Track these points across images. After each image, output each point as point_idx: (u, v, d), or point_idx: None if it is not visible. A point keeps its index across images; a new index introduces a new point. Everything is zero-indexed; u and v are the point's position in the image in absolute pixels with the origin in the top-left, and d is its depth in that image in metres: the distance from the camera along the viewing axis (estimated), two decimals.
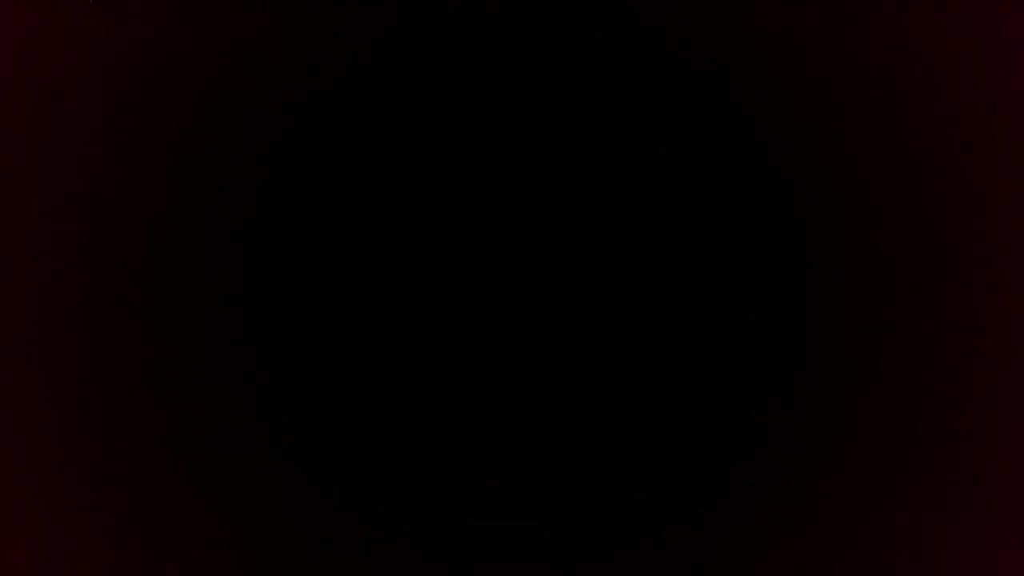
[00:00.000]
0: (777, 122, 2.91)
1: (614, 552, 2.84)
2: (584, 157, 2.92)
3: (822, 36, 2.93)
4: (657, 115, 2.91)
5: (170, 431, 2.86)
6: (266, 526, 2.84)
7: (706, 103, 2.92)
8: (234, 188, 2.90)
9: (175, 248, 2.90)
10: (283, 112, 2.92)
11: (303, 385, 2.87)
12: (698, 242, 2.89)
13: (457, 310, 2.89)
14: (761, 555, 2.83)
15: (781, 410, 2.86)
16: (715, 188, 2.90)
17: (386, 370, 2.88)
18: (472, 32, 2.93)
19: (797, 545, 2.84)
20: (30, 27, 2.94)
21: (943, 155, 2.92)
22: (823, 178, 2.91)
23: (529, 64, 2.93)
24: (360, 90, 2.92)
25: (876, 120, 2.92)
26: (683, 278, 2.89)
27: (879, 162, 2.91)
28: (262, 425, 2.86)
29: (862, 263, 2.89)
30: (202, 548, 2.84)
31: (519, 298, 2.89)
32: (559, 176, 2.92)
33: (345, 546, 2.84)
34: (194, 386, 2.87)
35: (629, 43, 2.92)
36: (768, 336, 2.87)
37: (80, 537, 2.84)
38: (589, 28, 2.93)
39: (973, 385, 2.87)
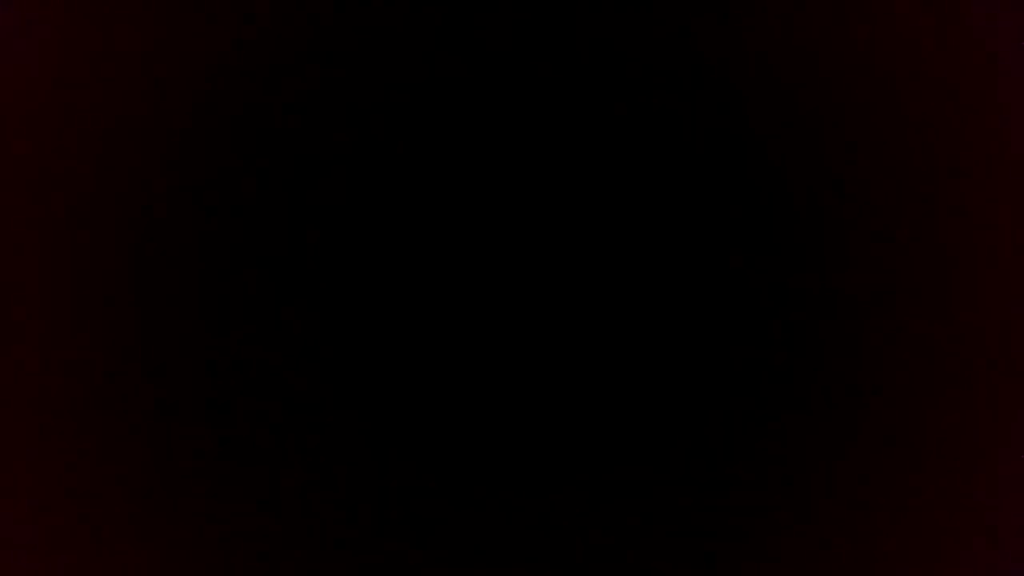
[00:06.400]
0: (777, 122, 2.91)
1: (614, 552, 2.84)
2: (584, 157, 2.91)
3: (822, 36, 2.93)
4: (657, 115, 2.91)
5: (168, 431, 2.86)
6: (266, 526, 2.84)
7: (706, 103, 2.92)
8: (234, 187, 2.90)
9: (173, 247, 2.89)
10: (283, 112, 2.92)
11: (303, 385, 2.87)
12: (699, 243, 2.89)
13: (457, 311, 2.89)
14: (762, 556, 2.84)
15: (782, 410, 2.86)
16: (715, 188, 2.90)
17: (388, 369, 2.88)
18: (472, 31, 2.93)
19: (797, 546, 2.84)
20: (29, 27, 2.93)
21: (943, 155, 2.92)
22: (823, 178, 2.91)
23: (528, 64, 2.93)
24: (360, 89, 2.92)
25: (876, 120, 2.92)
26: (684, 278, 2.89)
27: (879, 162, 2.91)
28: (262, 424, 2.86)
29: (862, 263, 2.89)
30: (201, 548, 2.84)
31: (520, 299, 2.89)
32: (560, 176, 2.92)
33: (345, 545, 2.84)
34: (192, 386, 2.87)
35: (629, 41, 2.92)
36: (768, 336, 2.87)
37: (79, 537, 2.84)
38: (588, 28, 2.92)
39: (973, 385, 2.86)
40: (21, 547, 2.83)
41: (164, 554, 2.84)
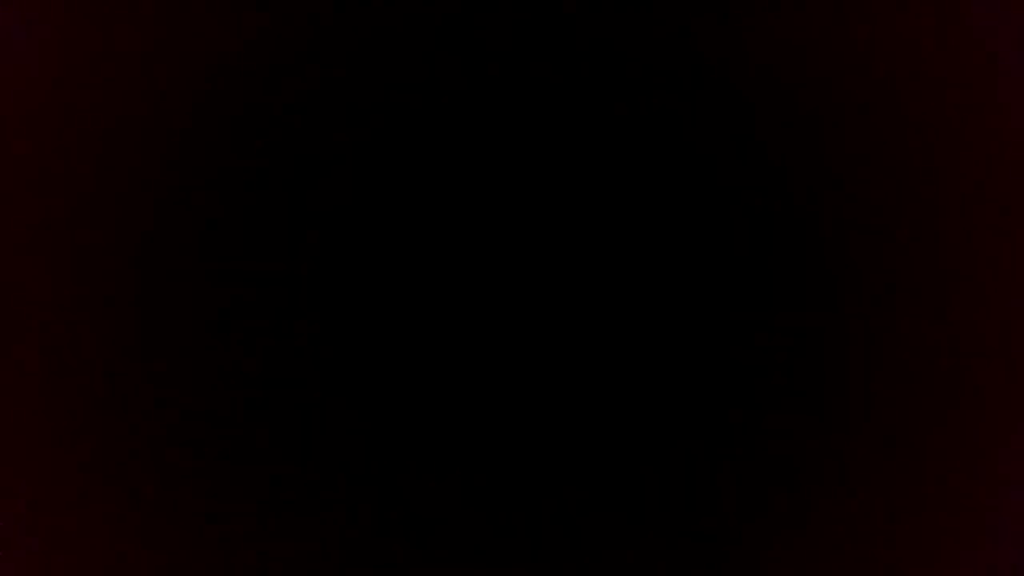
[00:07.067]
0: (777, 122, 2.91)
1: (614, 553, 2.84)
2: (583, 157, 2.91)
3: (822, 36, 2.93)
4: (656, 115, 2.91)
5: (168, 431, 2.86)
6: (266, 527, 2.84)
7: (706, 102, 2.92)
8: (234, 187, 2.90)
9: (173, 247, 2.89)
10: (283, 112, 2.92)
11: (304, 385, 2.87)
12: (699, 243, 2.89)
13: (457, 311, 2.89)
14: (762, 557, 2.83)
15: (782, 411, 2.86)
16: (715, 188, 2.90)
17: (388, 370, 2.88)
18: (472, 31, 2.93)
19: (797, 546, 2.84)
20: (29, 26, 2.93)
21: (943, 155, 2.91)
22: (823, 178, 2.91)
23: (527, 64, 2.92)
24: (360, 90, 2.92)
25: (876, 120, 2.92)
26: (684, 279, 2.89)
27: (879, 162, 2.91)
28: (262, 425, 2.86)
29: (863, 263, 2.89)
30: (201, 549, 2.83)
31: (520, 299, 2.89)
32: (559, 177, 2.92)
33: (344, 546, 2.84)
34: (192, 386, 2.86)
35: (628, 40, 2.92)
36: (768, 337, 2.87)
37: (78, 537, 2.84)
38: (587, 27, 2.92)
39: (974, 385, 2.86)
40: (21, 547, 2.83)
41: (163, 554, 2.84)
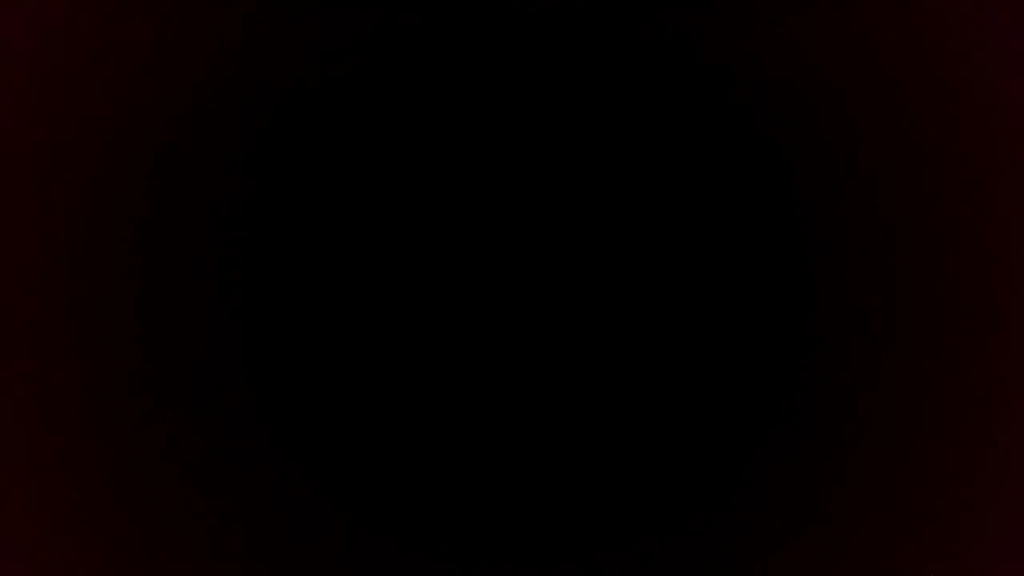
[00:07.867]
0: (779, 122, 2.91)
1: (612, 553, 2.84)
2: (583, 159, 2.91)
3: (824, 36, 2.93)
4: (656, 115, 2.91)
5: (165, 431, 2.86)
6: (266, 527, 2.84)
7: (704, 103, 2.92)
8: (232, 187, 2.90)
9: (172, 248, 2.90)
10: (282, 112, 2.92)
11: (301, 386, 2.87)
12: (700, 246, 2.89)
13: (458, 313, 2.89)
14: (761, 557, 2.83)
15: (781, 411, 2.86)
16: (715, 190, 2.90)
17: (385, 371, 2.88)
18: (472, 29, 2.93)
19: (797, 546, 2.84)
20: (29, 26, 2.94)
21: (944, 156, 2.92)
22: (826, 178, 2.91)
23: (527, 62, 2.93)
24: (359, 90, 2.92)
25: (879, 120, 2.92)
26: (684, 279, 2.89)
27: (882, 163, 2.91)
28: (261, 426, 2.86)
29: (864, 264, 2.89)
30: (200, 549, 2.84)
31: (519, 299, 2.89)
32: (558, 178, 2.92)
33: (342, 547, 2.84)
34: (191, 387, 2.87)
35: (629, 41, 2.92)
36: (768, 337, 2.87)
37: (79, 538, 2.84)
38: (587, 27, 2.93)
39: (974, 385, 2.86)
40: (19, 548, 2.84)
41: (160, 555, 2.84)
